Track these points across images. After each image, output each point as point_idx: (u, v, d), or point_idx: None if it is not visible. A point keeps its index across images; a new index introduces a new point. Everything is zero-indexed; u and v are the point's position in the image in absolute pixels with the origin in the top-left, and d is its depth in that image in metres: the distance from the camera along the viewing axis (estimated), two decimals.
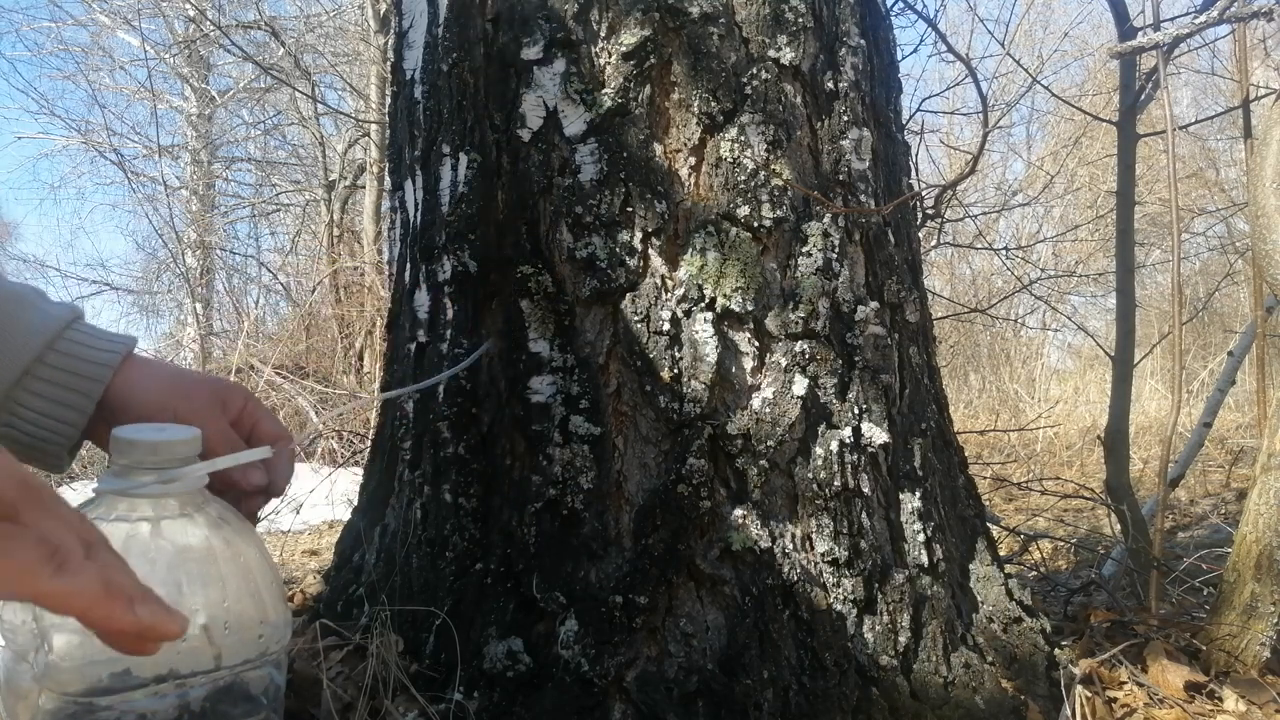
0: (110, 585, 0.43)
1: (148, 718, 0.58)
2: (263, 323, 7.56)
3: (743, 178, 1.10)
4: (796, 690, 1.01)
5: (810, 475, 1.08)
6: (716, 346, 1.06)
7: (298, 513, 2.74)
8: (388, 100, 1.45)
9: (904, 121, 1.54)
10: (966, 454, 1.39)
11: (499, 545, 1.08)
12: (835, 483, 1.09)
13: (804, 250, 1.12)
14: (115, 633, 0.44)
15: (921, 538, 1.16)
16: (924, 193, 2.10)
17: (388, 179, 1.41)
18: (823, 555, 1.07)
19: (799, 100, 1.15)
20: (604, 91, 1.08)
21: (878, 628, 1.08)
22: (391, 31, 1.37)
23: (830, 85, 1.17)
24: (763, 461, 1.06)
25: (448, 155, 1.17)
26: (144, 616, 0.44)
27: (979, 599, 1.22)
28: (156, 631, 0.45)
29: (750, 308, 1.08)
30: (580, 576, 1.03)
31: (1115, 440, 2.10)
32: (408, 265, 1.26)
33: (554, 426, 1.06)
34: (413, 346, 1.22)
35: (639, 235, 1.08)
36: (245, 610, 0.61)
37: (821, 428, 1.10)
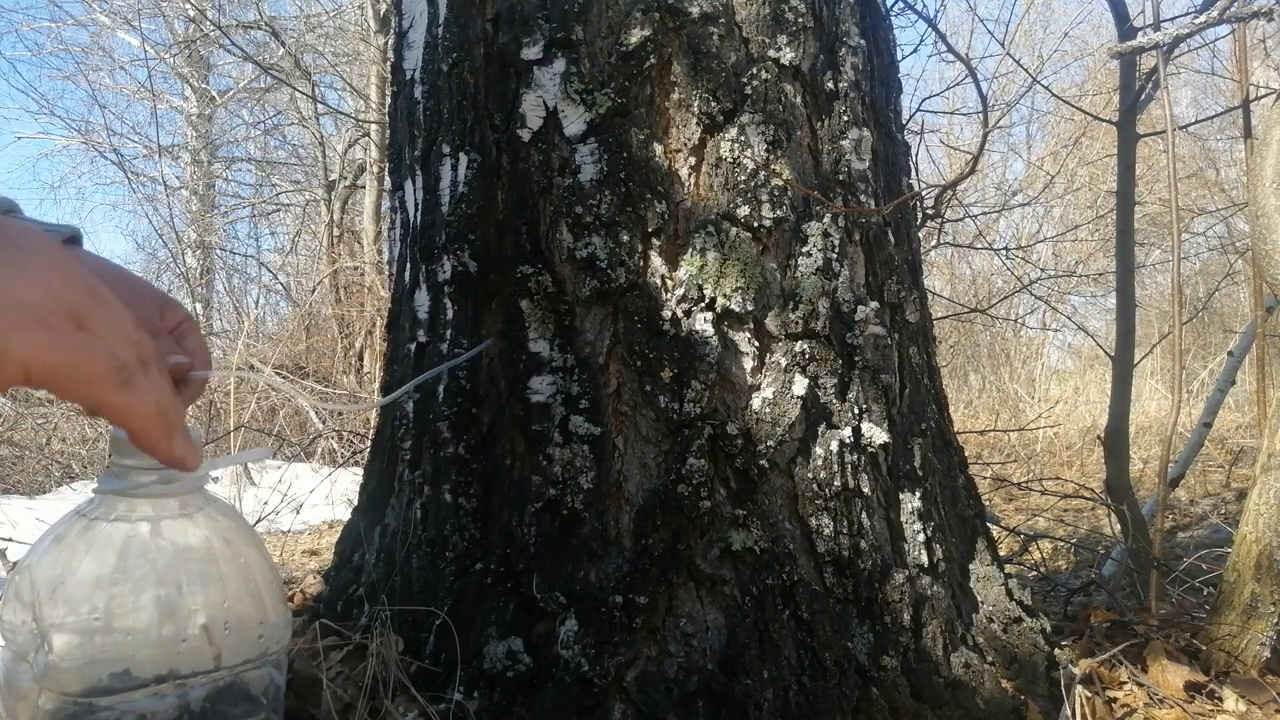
0: (160, 409, 0.47)
1: (148, 718, 0.58)
2: (263, 323, 7.56)
3: (743, 178, 1.10)
4: (796, 690, 1.01)
5: (810, 475, 1.08)
6: (716, 346, 1.06)
7: (298, 513, 2.74)
8: (388, 100, 1.45)
9: (904, 121, 1.54)
10: (966, 454, 1.39)
11: (499, 545, 1.08)
12: (835, 483, 1.09)
13: (804, 250, 1.12)
14: (149, 452, 0.49)
15: (921, 538, 1.16)
16: (924, 193, 2.10)
17: (388, 179, 1.41)
18: (823, 555, 1.07)
19: (799, 100, 1.15)
20: (604, 91, 1.08)
21: (878, 628, 1.08)
22: (391, 31, 1.38)
23: (830, 85, 1.17)
24: (763, 461, 1.06)
25: (448, 155, 1.17)
26: (175, 449, 0.49)
27: (979, 599, 1.22)
28: (179, 465, 0.50)
29: (750, 308, 1.08)
30: (580, 576, 1.03)
31: (1115, 440, 2.10)
32: (408, 265, 1.26)
33: (554, 426, 1.06)
34: (413, 346, 1.22)
35: (639, 235, 1.08)
36: (245, 610, 0.61)
37: (821, 428, 1.10)
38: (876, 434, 1.13)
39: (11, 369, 0.40)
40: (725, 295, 1.07)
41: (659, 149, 1.09)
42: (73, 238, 0.69)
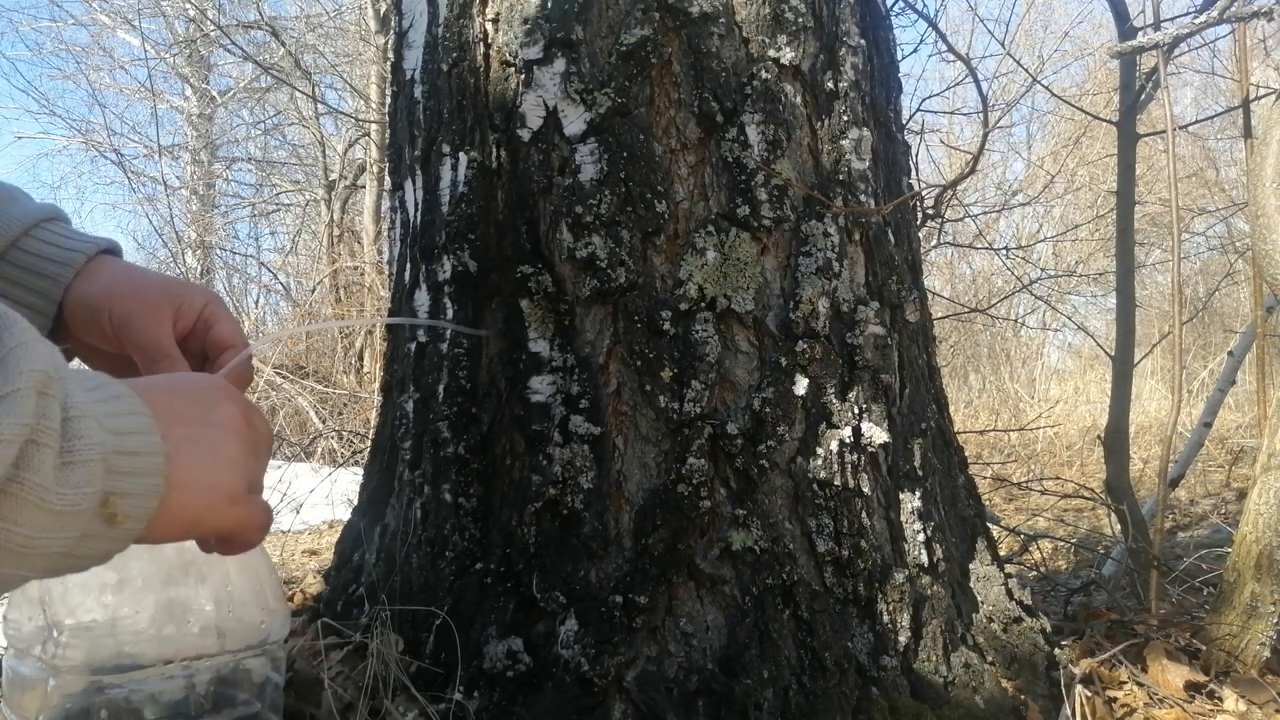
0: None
1: (156, 698, 0.59)
2: (263, 323, 7.57)
3: (743, 178, 1.10)
4: (796, 690, 1.01)
5: (810, 475, 1.08)
6: (716, 346, 1.06)
7: (298, 513, 2.73)
8: (388, 100, 1.45)
9: (904, 121, 1.54)
10: (966, 454, 1.39)
11: (499, 545, 1.08)
12: (835, 483, 1.09)
13: (804, 250, 1.12)
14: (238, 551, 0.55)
15: (921, 538, 1.16)
16: (924, 193, 2.10)
17: (388, 179, 1.41)
18: (823, 555, 1.07)
19: (799, 100, 1.15)
20: (604, 91, 1.08)
21: (878, 628, 1.08)
22: (391, 31, 1.38)
23: (830, 85, 1.17)
24: (763, 461, 1.06)
25: (448, 155, 1.18)
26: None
27: (979, 599, 1.22)
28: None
29: (750, 308, 1.08)
30: (580, 576, 1.03)
31: (1115, 440, 2.10)
32: (408, 265, 1.26)
33: (554, 426, 1.06)
34: (412, 346, 1.22)
35: (639, 235, 1.08)
36: (247, 597, 0.64)
37: (821, 428, 1.10)
38: (876, 434, 1.13)
39: (205, 535, 0.48)
40: (725, 295, 1.07)
41: (659, 149, 1.09)
42: (110, 249, 0.69)
